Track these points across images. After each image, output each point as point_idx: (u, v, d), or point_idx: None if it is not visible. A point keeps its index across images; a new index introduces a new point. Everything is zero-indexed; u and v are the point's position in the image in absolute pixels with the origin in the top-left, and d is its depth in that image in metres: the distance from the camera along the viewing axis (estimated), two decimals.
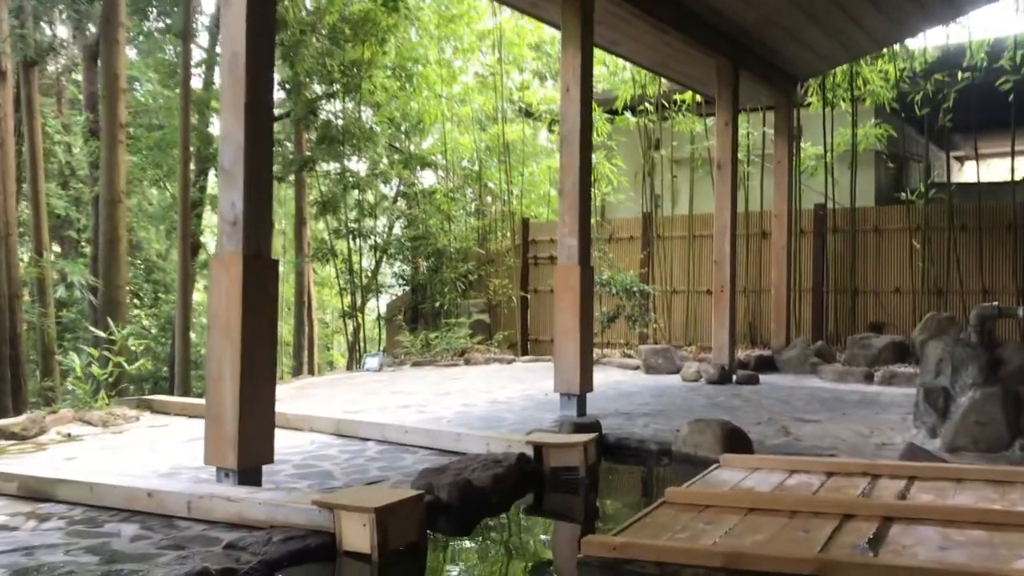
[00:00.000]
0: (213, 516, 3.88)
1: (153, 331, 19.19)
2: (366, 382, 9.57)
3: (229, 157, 4.35)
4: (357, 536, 3.48)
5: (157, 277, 22.81)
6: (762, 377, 9.58)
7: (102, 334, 7.59)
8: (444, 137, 14.32)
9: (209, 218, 21.45)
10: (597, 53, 10.41)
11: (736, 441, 5.35)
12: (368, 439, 5.90)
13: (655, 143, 13.50)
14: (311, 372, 17.03)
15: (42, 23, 11.94)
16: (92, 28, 16.34)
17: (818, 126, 12.67)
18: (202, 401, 7.73)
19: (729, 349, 9.55)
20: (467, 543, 4.20)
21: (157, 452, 5.64)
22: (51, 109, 19.10)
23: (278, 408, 6.63)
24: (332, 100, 15.16)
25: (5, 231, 9.57)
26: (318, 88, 15.20)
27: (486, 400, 7.93)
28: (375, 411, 7.19)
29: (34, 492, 4.35)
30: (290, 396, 8.26)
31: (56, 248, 19.35)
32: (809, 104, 12.64)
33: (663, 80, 12.60)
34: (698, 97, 12.50)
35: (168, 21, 19.29)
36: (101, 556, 3.44)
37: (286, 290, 19.32)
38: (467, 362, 11.35)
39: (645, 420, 6.72)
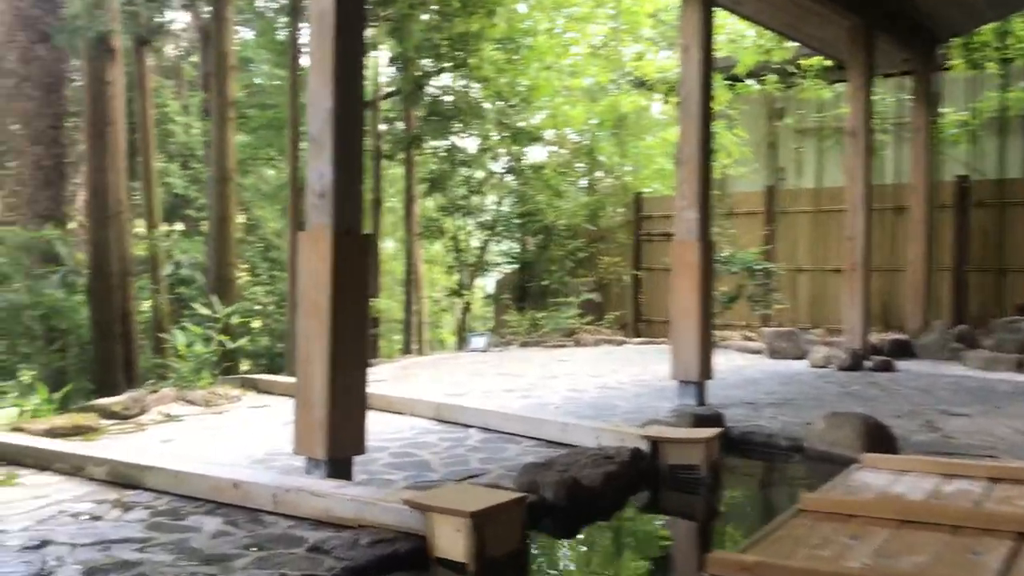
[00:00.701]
0: (299, 511, 3.59)
1: (270, 308, 19.47)
2: (471, 363, 9.26)
3: (317, 124, 4.02)
4: (451, 542, 3.11)
5: (274, 255, 23.19)
6: (898, 363, 8.80)
7: (206, 312, 7.49)
8: (555, 110, 13.83)
9: None
10: (718, 17, 9.73)
11: (878, 438, 4.76)
12: (470, 426, 5.54)
13: (779, 112, 12.67)
14: (420, 351, 16.90)
15: (157, 3, 12.03)
16: (208, 9, 16.52)
17: (960, 90, 11.62)
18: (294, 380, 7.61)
19: (862, 332, 8.81)
20: (573, 549, 3.79)
21: (253, 435, 5.43)
22: (171, 90, 19.51)
23: (381, 390, 6.38)
24: (440, 75, 14.87)
25: (116, 209, 9.67)
26: (426, 63, 14.92)
27: (596, 385, 7.49)
28: (479, 394, 6.85)
29: (122, 478, 4.17)
30: (394, 376, 8.01)
31: (179, 226, 19.77)
32: (950, 67, 11.58)
33: (788, 44, 11.77)
34: (826, 62, 11.62)
35: (278, 3, 19.39)
36: (177, 555, 3.18)
37: (395, 267, 19.27)
38: (576, 343, 10.91)
39: (772, 411, 6.15)
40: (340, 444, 3.94)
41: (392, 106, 17.41)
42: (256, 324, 15.14)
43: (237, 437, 5.38)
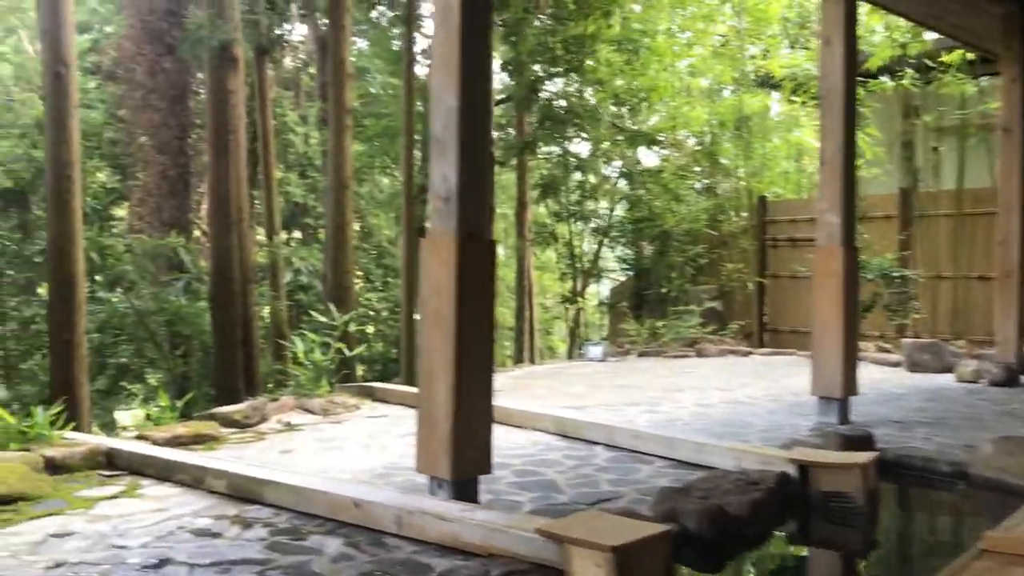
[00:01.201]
0: (425, 536, 3.37)
1: (384, 314, 19.62)
2: (589, 373, 8.95)
3: (440, 123, 3.80)
4: None
5: (388, 262, 23.45)
6: None
7: (324, 320, 7.43)
8: (673, 112, 13.40)
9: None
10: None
11: None
12: (596, 443, 5.24)
13: (915, 110, 11.90)
14: (531, 359, 16.68)
15: (274, 14, 12.22)
16: (323, 23, 16.77)
17: None
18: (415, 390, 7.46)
19: (1016, 345, 8.10)
20: None
21: (373, 447, 5.28)
22: (290, 102, 19.91)
23: (498, 402, 6.15)
24: (554, 79, 14.64)
25: (237, 216, 9.79)
26: (539, 68, 14.73)
27: (725, 399, 7.07)
28: (600, 408, 6.54)
29: (242, 492, 4.05)
30: (510, 387, 7.78)
31: (297, 234, 20.16)
32: None
33: (926, 37, 11.03)
34: (969, 55, 10.83)
35: (393, 12, 19.55)
36: None
37: (507, 274, 19.13)
38: (698, 354, 10.47)
39: (924, 431, 5.63)
40: (466, 464, 3.70)
41: (503, 112, 17.31)
42: (370, 330, 15.22)
43: (356, 449, 5.23)
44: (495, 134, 19.09)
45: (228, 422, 6.02)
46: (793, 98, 13.05)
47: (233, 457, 5.01)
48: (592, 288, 15.12)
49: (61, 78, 8.23)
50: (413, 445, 5.25)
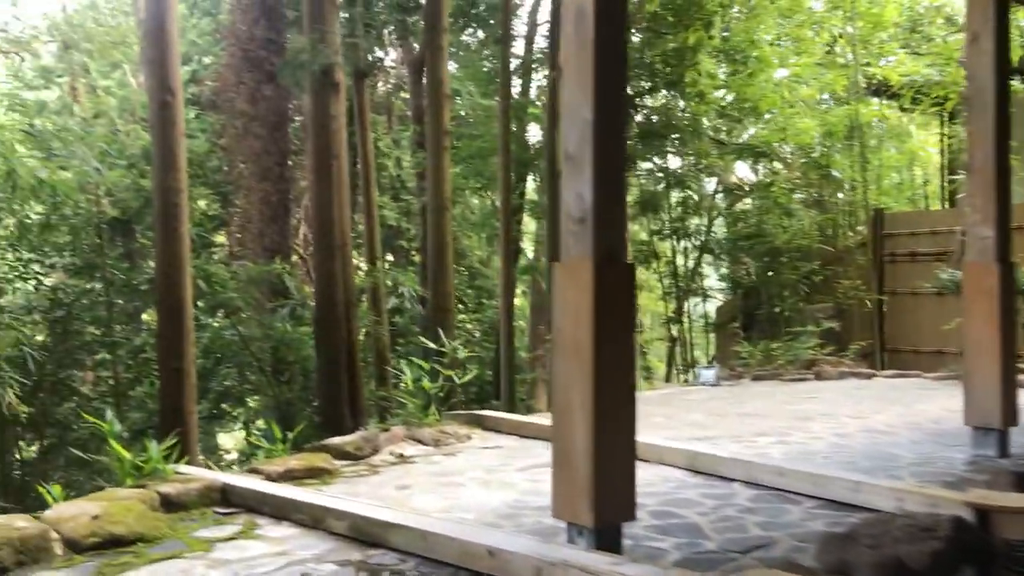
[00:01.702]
0: None
1: (476, 335, 19.47)
2: (705, 399, 8.53)
3: (574, 139, 3.52)
4: None
5: (480, 283, 23.34)
6: None
7: (432, 345, 7.22)
8: (780, 123, 12.87)
9: (527, 224, 21.48)
10: None
11: None
12: (732, 479, 4.85)
13: None
14: (635, 384, 16.20)
15: (370, 37, 12.22)
16: (415, 45, 16.79)
17: None
18: (536, 420, 7.16)
19: None
20: None
21: (493, 483, 5.00)
22: (382, 126, 20.03)
23: None
24: (653, 94, 14.29)
25: (341, 240, 9.71)
26: (637, 83, 14.40)
27: (861, 428, 6.57)
28: (728, 439, 6.13)
29: (365, 535, 3.82)
30: None
31: (389, 257, 20.20)
32: None
33: None
34: None
35: (482, 34, 19.51)
36: None
37: None
38: (817, 376, 9.91)
39: None
40: (608, 510, 3.38)
41: None
42: (467, 354, 15.06)
43: (475, 485, 4.97)
44: (627, 129, 18.80)
45: (340, 454, 5.84)
46: (910, 105, 12.40)
47: (348, 493, 4.80)
48: (695, 308, 14.62)
49: (167, 107, 8.28)
50: (536, 481, 5.01)
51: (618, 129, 3.55)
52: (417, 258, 20.65)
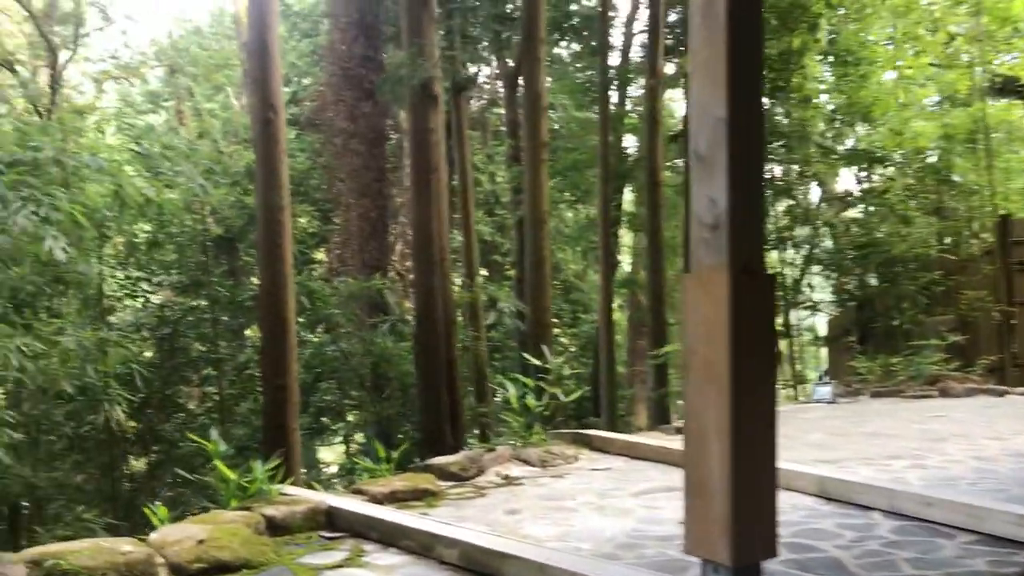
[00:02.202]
0: None
1: (572, 350, 19.21)
2: (823, 417, 8.06)
3: (705, 138, 3.22)
4: None
5: (575, 297, 23.07)
6: None
7: (535, 362, 6.98)
8: (899, 127, 12.21)
9: (624, 236, 21.20)
10: None
11: None
12: (871, 508, 4.45)
13: None
14: None
15: (468, 50, 12.13)
16: (509, 61, 16.69)
17: None
18: (646, 440, 6.85)
19: None
20: None
21: (608, 509, 4.72)
22: (477, 141, 20.01)
23: None
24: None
25: (440, 255, 9.59)
26: None
27: (1004, 451, 6.04)
28: (856, 462, 5.71)
29: (478, 565, 3.60)
30: None
31: (483, 272, 20.13)
32: None
33: None
34: None
35: (576, 47, 19.31)
36: None
37: None
38: (942, 393, 9.29)
39: None
40: (748, 546, 3.05)
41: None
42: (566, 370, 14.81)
43: (589, 511, 4.70)
44: (676, 162, 18.38)
45: (445, 474, 5.66)
46: None
47: (455, 517, 4.60)
48: (803, 321, 14.02)
49: (270, 124, 8.30)
50: (653, 507, 4.71)
51: (754, 126, 3.24)
52: (511, 273, 20.56)
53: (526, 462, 6.15)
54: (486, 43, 12.86)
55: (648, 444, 6.34)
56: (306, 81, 19.32)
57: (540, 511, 4.74)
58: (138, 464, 10.31)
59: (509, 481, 5.63)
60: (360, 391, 11.62)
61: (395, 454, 5.81)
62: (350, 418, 15.47)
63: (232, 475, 4.84)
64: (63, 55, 15.13)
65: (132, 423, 8.73)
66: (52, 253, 5.41)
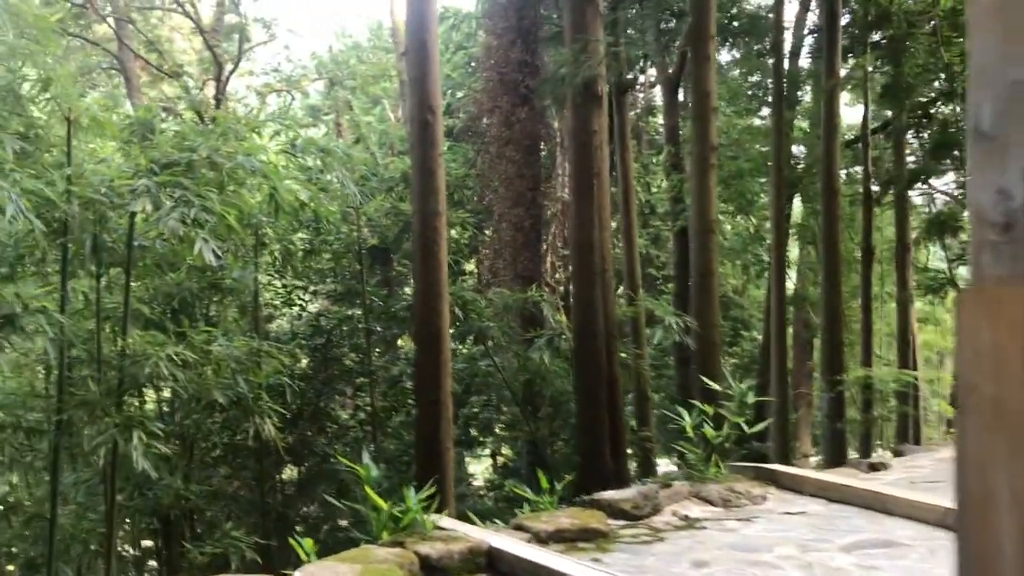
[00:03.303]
0: None
1: (728, 369, 18.15)
2: None
3: (990, 111, 2.43)
4: None
5: (734, 314, 21.91)
6: None
7: (714, 386, 6.25)
8: None
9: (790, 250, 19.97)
10: None
11: None
12: None
13: None
14: (915, 435, 14.31)
15: (634, 46, 11.51)
16: (669, 69, 15.94)
17: None
18: (847, 480, 6.00)
19: None
20: None
21: (814, 564, 3.98)
22: (632, 150, 19.29)
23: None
24: (949, 100, 12.56)
25: (601, 267, 8.97)
26: (927, 88, 12.75)
27: None
28: None
29: None
30: (945, 475, 6.04)
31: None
32: None
33: None
34: None
35: (736, 53, 18.33)
36: None
37: (882, 328, 16.85)
38: None
39: None
40: None
41: (875, 144, 15.34)
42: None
43: (792, 567, 3.97)
44: (851, 169, 17.08)
45: (615, 511, 5.03)
46: None
47: (633, 567, 4.00)
48: None
49: (428, 126, 7.92)
50: (872, 568, 3.92)
51: None
52: (664, 288, 19.71)
53: (706, 500, 5.44)
54: (650, 42, 12.18)
55: (851, 486, 5.50)
56: (459, 94, 19.20)
57: (733, 565, 4.04)
58: (291, 473, 10.19)
59: (689, 523, 4.94)
60: (513, 407, 11.12)
61: (559, 485, 5.21)
62: (498, 430, 15.05)
63: (384, 505, 4.38)
64: (228, 68, 15.49)
65: (284, 435, 8.53)
66: (203, 257, 5.16)
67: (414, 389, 8.39)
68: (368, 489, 4.42)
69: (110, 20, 15.88)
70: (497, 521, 5.27)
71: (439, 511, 4.72)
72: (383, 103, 25.19)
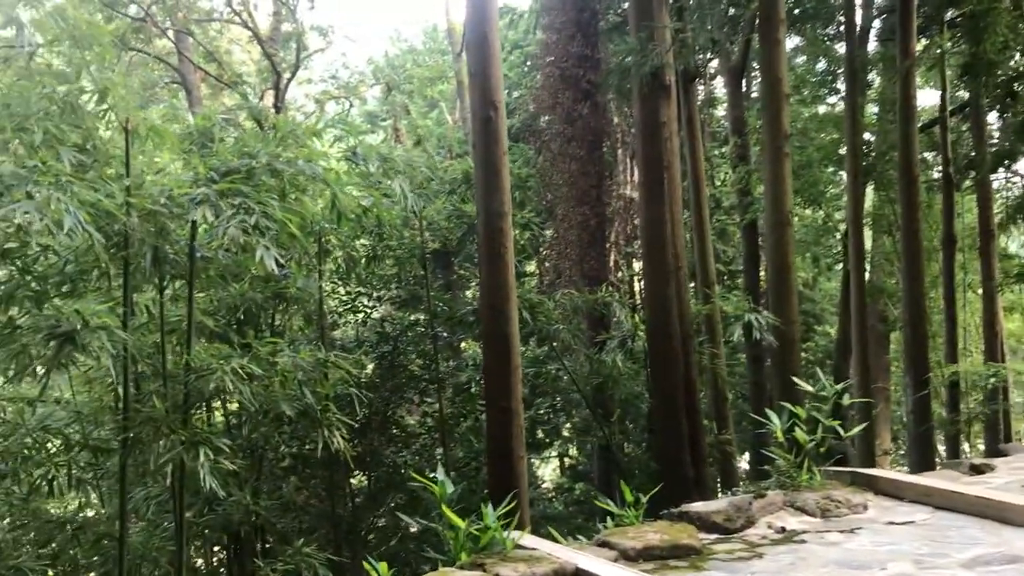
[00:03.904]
0: None
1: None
2: None
3: None
4: None
5: (806, 308, 21.23)
6: None
7: (807, 387, 5.87)
8: None
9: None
10: None
11: None
12: None
13: None
14: (1007, 432, 13.59)
15: (702, 32, 11.07)
16: (732, 55, 15.46)
17: None
18: (954, 486, 5.56)
19: None
20: None
21: None
22: (700, 141, 18.81)
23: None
24: None
25: (675, 264, 8.60)
26: (1014, 64, 12.10)
27: None
28: None
29: None
30: None
31: None
32: None
33: None
34: None
35: (800, 40, 17.73)
36: None
37: (966, 318, 16.11)
38: None
39: None
40: None
41: (953, 125, 14.66)
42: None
43: None
44: (925, 154, 16.37)
45: (706, 525, 4.71)
46: None
47: None
48: None
49: (491, 123, 7.66)
50: None
51: None
52: (733, 282, 19.15)
53: (802, 510, 5.07)
54: (715, 29, 11.73)
55: (959, 492, 5.07)
56: (516, 94, 18.93)
57: None
58: (360, 482, 10.02)
59: (787, 536, 4.59)
60: (583, 410, 10.79)
61: (643, 498, 4.90)
62: (566, 432, 14.71)
63: (461, 523, 4.12)
64: (286, 76, 15.47)
65: (352, 444, 8.34)
66: (265, 265, 4.97)
67: (484, 395, 8.13)
68: (444, 507, 4.17)
69: (170, 33, 15.99)
70: (581, 538, 4.98)
71: (517, 526, 4.45)
72: (440, 106, 25.08)
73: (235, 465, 5.97)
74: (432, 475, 4.36)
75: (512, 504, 4.44)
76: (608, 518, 5.02)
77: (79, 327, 4.51)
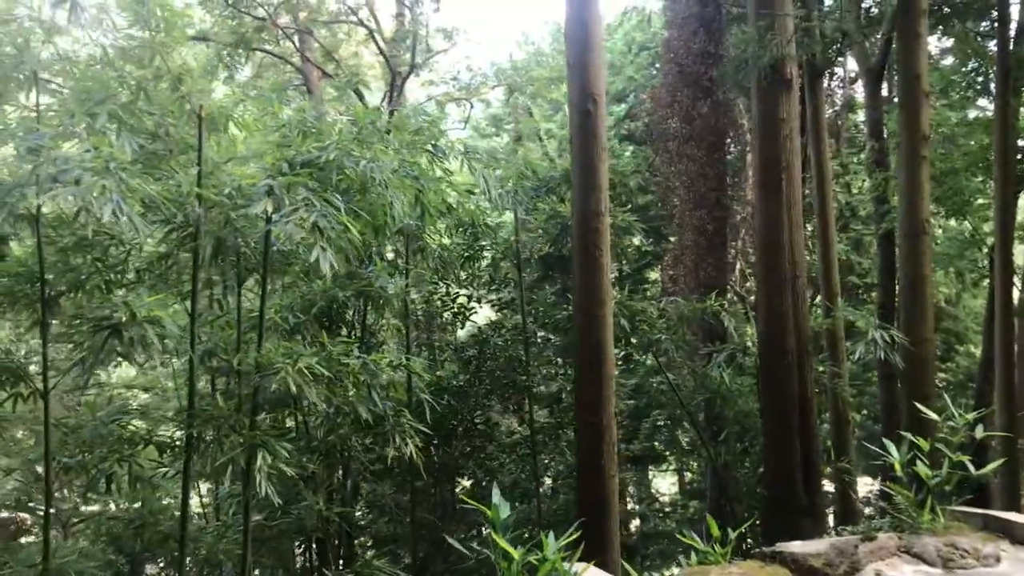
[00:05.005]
0: None
1: (939, 388, 16.20)
2: None
3: None
4: None
5: (948, 325, 19.71)
6: None
7: (932, 415, 5.14)
8: None
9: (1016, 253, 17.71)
10: None
11: None
12: None
13: None
14: None
15: (830, 22, 10.23)
16: (872, 55, 14.40)
17: None
18: None
19: None
20: None
21: None
22: (829, 149, 17.71)
23: None
24: None
25: (792, 273, 7.87)
26: None
27: None
28: None
29: None
30: None
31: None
32: None
33: None
34: None
35: (947, 40, 16.37)
36: None
37: None
38: None
39: None
40: None
41: None
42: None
43: None
44: None
45: (803, 570, 4.12)
46: None
47: None
48: None
49: (589, 116, 7.18)
50: None
51: None
52: (869, 296, 17.94)
53: (919, 558, 4.39)
54: (845, 18, 10.79)
55: None
56: (642, 96, 18.31)
57: None
58: (451, 490, 9.68)
59: None
60: (691, 429, 10.11)
61: (732, 534, 4.32)
62: (685, 444, 13.97)
63: (516, 554, 3.68)
64: (402, 76, 15.38)
65: (436, 452, 8.01)
66: (319, 265, 4.67)
67: (575, 408, 7.64)
68: (497, 536, 3.73)
69: (293, 37, 16.18)
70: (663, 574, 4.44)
71: (602, 550, 3.96)
72: (564, 109, 24.58)
73: (307, 469, 5.69)
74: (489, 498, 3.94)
75: (578, 534, 3.97)
76: (693, 555, 4.48)
77: (124, 319, 4.34)
